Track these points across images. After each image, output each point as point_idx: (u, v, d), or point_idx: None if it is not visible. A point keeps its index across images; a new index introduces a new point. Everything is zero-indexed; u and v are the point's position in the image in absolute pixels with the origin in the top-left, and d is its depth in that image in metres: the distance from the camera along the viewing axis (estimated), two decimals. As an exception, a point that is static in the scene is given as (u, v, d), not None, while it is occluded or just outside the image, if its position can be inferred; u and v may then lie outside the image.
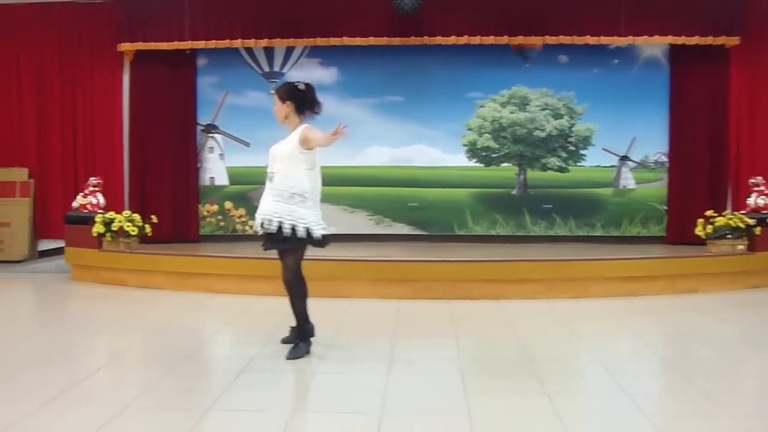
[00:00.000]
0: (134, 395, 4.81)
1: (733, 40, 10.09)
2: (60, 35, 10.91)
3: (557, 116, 10.93)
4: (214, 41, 10.42)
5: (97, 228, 9.20)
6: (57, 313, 8.13)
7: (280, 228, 5.54)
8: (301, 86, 5.75)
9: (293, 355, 5.66)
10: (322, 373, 5.33)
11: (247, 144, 11.10)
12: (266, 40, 10.45)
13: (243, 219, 11.21)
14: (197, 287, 8.61)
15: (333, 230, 5.82)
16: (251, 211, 11.20)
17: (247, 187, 11.16)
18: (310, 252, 5.75)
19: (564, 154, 10.96)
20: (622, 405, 4.61)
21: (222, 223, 11.27)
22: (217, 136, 11.25)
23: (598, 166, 11.00)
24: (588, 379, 5.46)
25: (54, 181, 11.05)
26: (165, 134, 10.90)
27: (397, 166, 11.11)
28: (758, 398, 4.96)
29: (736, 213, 9.22)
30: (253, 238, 10.91)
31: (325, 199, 5.61)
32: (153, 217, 9.60)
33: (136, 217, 9.38)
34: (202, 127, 11.22)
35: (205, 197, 11.27)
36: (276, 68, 11.06)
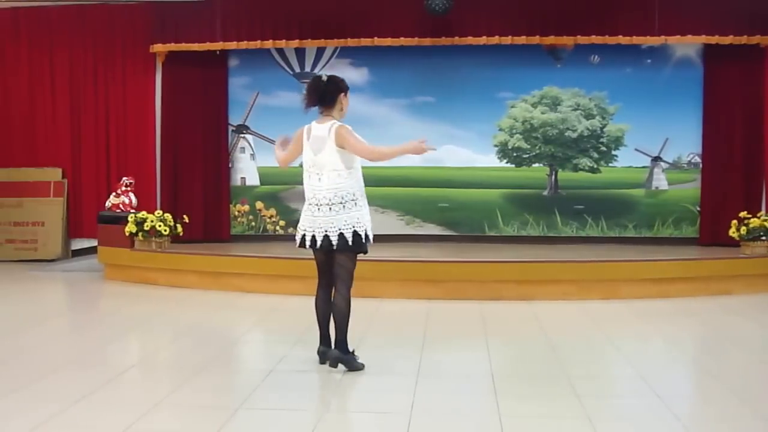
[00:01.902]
0: (165, 394, 4.84)
1: (769, 39, 9.98)
2: (93, 37, 11.04)
3: (589, 116, 10.86)
4: (245, 42, 10.47)
5: (130, 227, 9.27)
6: (89, 311, 8.22)
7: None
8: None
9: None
10: (351, 373, 5.32)
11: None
12: (297, 40, 10.48)
13: (274, 219, 11.25)
14: (228, 287, 8.65)
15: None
16: (282, 211, 11.25)
17: (279, 187, 11.20)
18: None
19: (596, 155, 10.89)
20: (654, 407, 4.57)
21: (253, 224, 11.32)
22: (248, 136, 11.31)
23: (631, 166, 10.91)
24: (619, 381, 5.41)
25: (87, 181, 11.18)
26: (197, 134, 10.98)
27: (428, 166, 11.09)
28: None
29: (771, 215, 9.10)
30: (283, 238, 10.99)
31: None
32: (185, 216, 9.65)
33: (168, 216, 9.43)
34: (234, 128, 11.28)
35: (237, 197, 11.33)
36: (307, 69, 11.10)
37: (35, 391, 4.85)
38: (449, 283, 8.27)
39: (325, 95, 5.35)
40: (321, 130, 5.32)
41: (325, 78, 5.40)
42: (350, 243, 5.27)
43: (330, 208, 5.24)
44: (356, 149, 5.28)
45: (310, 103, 5.38)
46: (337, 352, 5.39)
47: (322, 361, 5.49)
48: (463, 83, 10.92)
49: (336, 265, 5.39)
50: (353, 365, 5.39)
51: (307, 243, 5.37)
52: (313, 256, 5.54)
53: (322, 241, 5.27)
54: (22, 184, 11.07)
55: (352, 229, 5.26)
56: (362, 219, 5.31)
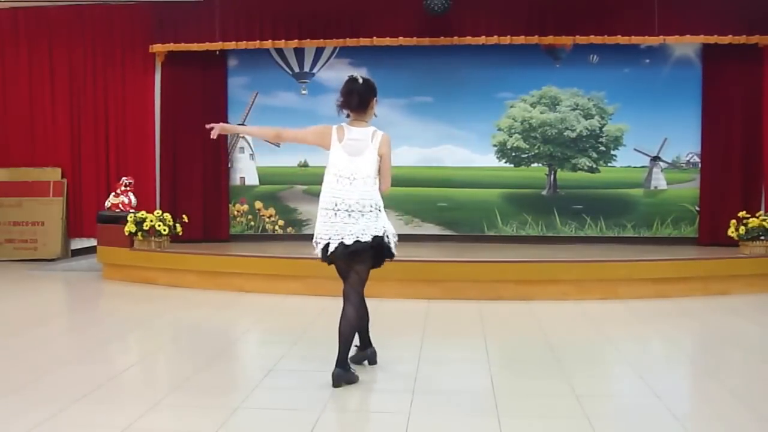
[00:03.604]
0: (164, 393, 4.85)
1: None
2: (93, 37, 11.06)
3: (588, 116, 10.87)
4: (244, 42, 10.49)
5: (129, 227, 9.27)
6: (89, 311, 8.21)
7: None
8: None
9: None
10: (350, 373, 5.32)
11: (277, 145, 11.14)
12: (296, 40, 10.49)
13: (273, 219, 11.25)
14: (227, 286, 8.65)
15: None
16: (281, 211, 11.27)
17: (278, 187, 11.21)
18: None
19: (594, 155, 10.90)
20: (652, 407, 4.58)
21: (252, 223, 11.33)
22: (247, 136, 11.30)
23: (629, 166, 10.92)
24: (617, 381, 5.42)
25: (87, 180, 11.20)
26: (196, 134, 10.91)
27: (427, 166, 11.11)
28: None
29: (770, 214, 9.10)
30: (282, 237, 11.01)
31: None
32: (184, 216, 9.65)
33: (168, 216, 9.43)
34: (233, 128, 11.30)
35: (236, 197, 11.34)
36: (306, 68, 11.11)
37: (35, 391, 4.85)
38: (448, 283, 8.27)
39: (362, 97, 5.04)
40: (361, 134, 5.08)
41: (360, 80, 5.05)
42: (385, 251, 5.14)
43: (362, 215, 4.98)
44: (387, 167, 5.15)
45: (351, 106, 5.05)
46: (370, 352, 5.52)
47: (373, 362, 5.51)
48: (461, 83, 10.93)
49: (354, 271, 5.14)
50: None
51: (330, 251, 5.02)
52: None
53: (352, 245, 4.96)
54: (22, 184, 11.08)
55: (384, 235, 5.10)
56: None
